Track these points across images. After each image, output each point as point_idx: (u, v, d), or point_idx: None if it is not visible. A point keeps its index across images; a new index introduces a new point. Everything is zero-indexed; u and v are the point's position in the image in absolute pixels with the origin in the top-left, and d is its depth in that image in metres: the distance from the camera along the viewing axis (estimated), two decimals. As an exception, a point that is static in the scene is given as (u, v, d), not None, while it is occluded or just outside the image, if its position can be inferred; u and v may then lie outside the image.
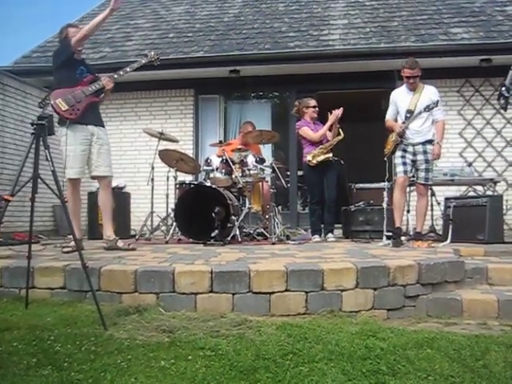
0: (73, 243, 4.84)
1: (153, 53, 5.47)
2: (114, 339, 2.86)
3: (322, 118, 6.95)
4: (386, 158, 5.93)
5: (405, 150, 5.71)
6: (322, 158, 6.61)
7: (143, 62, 5.37)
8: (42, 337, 2.85)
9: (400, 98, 5.81)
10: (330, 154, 6.63)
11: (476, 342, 2.85)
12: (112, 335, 2.93)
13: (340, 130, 6.69)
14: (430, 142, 5.66)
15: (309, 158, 6.72)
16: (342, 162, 6.80)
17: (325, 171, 6.67)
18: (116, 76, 5.16)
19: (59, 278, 3.74)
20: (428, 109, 5.55)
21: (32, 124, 3.27)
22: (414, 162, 5.71)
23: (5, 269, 3.86)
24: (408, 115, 5.64)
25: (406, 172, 5.73)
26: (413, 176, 5.82)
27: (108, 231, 5.25)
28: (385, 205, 5.97)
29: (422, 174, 5.66)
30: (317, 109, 6.89)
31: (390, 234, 5.73)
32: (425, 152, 5.64)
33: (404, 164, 5.73)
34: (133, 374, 2.37)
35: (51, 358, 2.55)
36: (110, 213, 5.29)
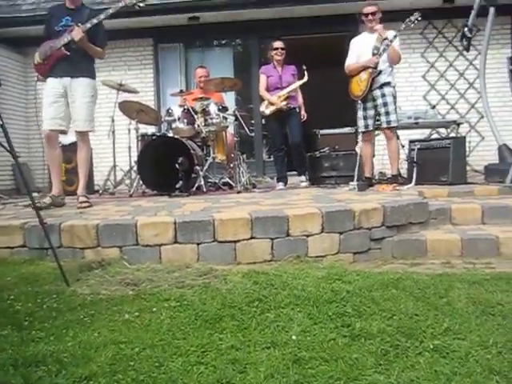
0: (47, 199, 4.78)
1: None
2: (76, 295, 2.81)
3: (298, 61, 6.77)
4: (359, 101, 5.85)
5: (365, 102, 5.70)
6: (273, 108, 6.54)
7: (120, 5, 4.89)
8: (2, 297, 2.78)
9: (361, 43, 5.81)
10: (284, 103, 6.51)
11: (440, 281, 2.89)
12: (75, 291, 2.87)
13: (305, 72, 6.58)
14: (388, 84, 5.64)
15: (261, 108, 6.67)
16: (298, 109, 6.67)
17: (284, 118, 6.59)
18: (89, 25, 4.74)
19: (18, 236, 3.64)
20: (395, 37, 5.54)
21: (-24, 76, 3.09)
22: (375, 107, 5.70)
23: (-40, 229, 3.73)
24: (375, 51, 5.59)
25: (367, 126, 5.79)
26: (376, 120, 5.79)
27: (78, 188, 5.08)
28: (358, 150, 5.90)
29: (383, 118, 5.66)
30: (279, 50, 6.65)
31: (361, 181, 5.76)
32: (383, 95, 5.63)
33: (364, 118, 5.79)
34: (96, 329, 2.33)
35: (11, 318, 2.48)
36: (82, 169, 5.07)
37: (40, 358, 2.05)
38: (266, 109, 6.61)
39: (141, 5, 4.95)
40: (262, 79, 6.72)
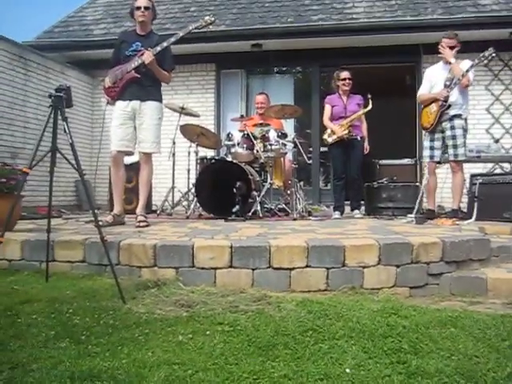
0: (109, 218, 4.95)
1: (207, 17, 5.11)
2: (132, 313, 2.85)
3: (361, 91, 6.79)
4: (425, 133, 5.86)
5: (433, 132, 5.65)
6: (335, 137, 6.52)
7: (191, 28, 5.06)
8: (61, 309, 2.86)
9: (436, 73, 5.79)
10: (346, 132, 6.48)
11: (502, 322, 2.78)
12: (130, 309, 2.92)
13: (370, 101, 6.55)
14: (459, 116, 5.55)
15: (324, 136, 6.69)
16: (359, 138, 6.62)
17: (347, 147, 6.55)
18: (159, 48, 4.92)
19: (79, 251, 3.75)
20: (467, 71, 5.48)
21: (50, 96, 3.24)
22: (443, 138, 5.64)
23: (25, 242, 3.89)
24: (447, 83, 5.55)
25: (432, 157, 5.75)
26: (444, 152, 5.71)
27: (138, 207, 5.20)
28: (425, 181, 5.82)
29: (450, 151, 5.58)
30: (347, 81, 6.64)
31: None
32: (452, 127, 5.55)
33: (431, 148, 5.74)
34: (150, 348, 2.35)
35: (69, 331, 2.54)
36: (143, 189, 5.19)
37: (96, 373, 2.08)
38: (328, 137, 6.62)
39: (210, 27, 5.09)
40: (327, 109, 6.73)
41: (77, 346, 2.36)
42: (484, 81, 8.47)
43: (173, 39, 4.98)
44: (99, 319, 2.72)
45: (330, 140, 6.61)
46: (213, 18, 5.11)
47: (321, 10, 8.91)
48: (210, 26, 5.14)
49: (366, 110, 6.61)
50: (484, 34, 7.92)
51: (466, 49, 6.03)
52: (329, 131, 6.63)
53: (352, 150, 6.57)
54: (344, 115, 6.58)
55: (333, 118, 6.64)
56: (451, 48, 5.60)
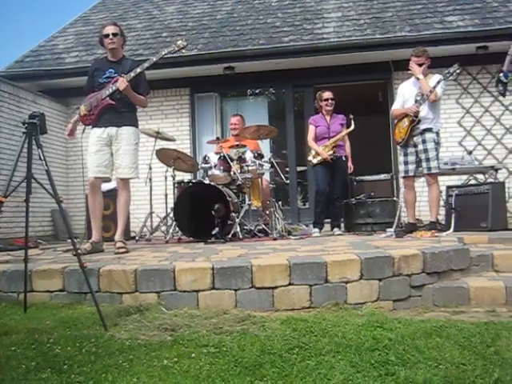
0: (87, 246, 4.88)
1: (179, 42, 5.02)
2: (115, 340, 2.80)
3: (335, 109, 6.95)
4: (399, 147, 5.99)
5: (406, 147, 5.73)
6: (319, 158, 6.60)
7: (163, 53, 5.00)
8: (41, 340, 2.78)
9: (408, 89, 5.89)
10: (331, 152, 6.57)
11: (486, 329, 2.79)
12: (113, 336, 2.86)
13: (352, 122, 6.66)
14: (429, 130, 5.63)
15: (309, 158, 6.74)
16: (344, 158, 6.74)
17: (332, 166, 6.65)
18: (133, 74, 4.89)
19: (58, 280, 3.69)
20: (438, 82, 5.57)
21: (23, 123, 3.20)
22: (416, 153, 5.72)
23: (2, 273, 3.81)
24: (418, 98, 5.67)
25: (407, 172, 5.81)
26: (418, 166, 5.79)
27: (116, 233, 5.13)
28: (406, 195, 5.88)
29: (424, 165, 5.65)
30: (330, 101, 6.80)
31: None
32: (424, 141, 5.63)
33: (405, 163, 5.82)
34: (135, 374, 2.30)
35: (51, 361, 2.48)
36: (121, 215, 5.11)
37: (79, 402, 2.04)
38: (313, 158, 6.73)
39: (183, 51, 5.09)
40: (311, 129, 6.84)
41: (59, 376, 2.30)
42: (454, 94, 8.62)
43: (146, 64, 4.98)
44: (81, 348, 2.66)
45: (314, 161, 6.70)
46: (185, 43, 5.10)
47: (291, 31, 9.01)
48: (183, 50, 5.13)
49: (348, 130, 6.76)
50: (452, 49, 8.08)
51: (436, 64, 6.16)
52: (313, 152, 6.71)
53: (337, 171, 6.68)
54: (327, 135, 6.70)
55: (317, 139, 6.73)
56: (420, 65, 5.71)
